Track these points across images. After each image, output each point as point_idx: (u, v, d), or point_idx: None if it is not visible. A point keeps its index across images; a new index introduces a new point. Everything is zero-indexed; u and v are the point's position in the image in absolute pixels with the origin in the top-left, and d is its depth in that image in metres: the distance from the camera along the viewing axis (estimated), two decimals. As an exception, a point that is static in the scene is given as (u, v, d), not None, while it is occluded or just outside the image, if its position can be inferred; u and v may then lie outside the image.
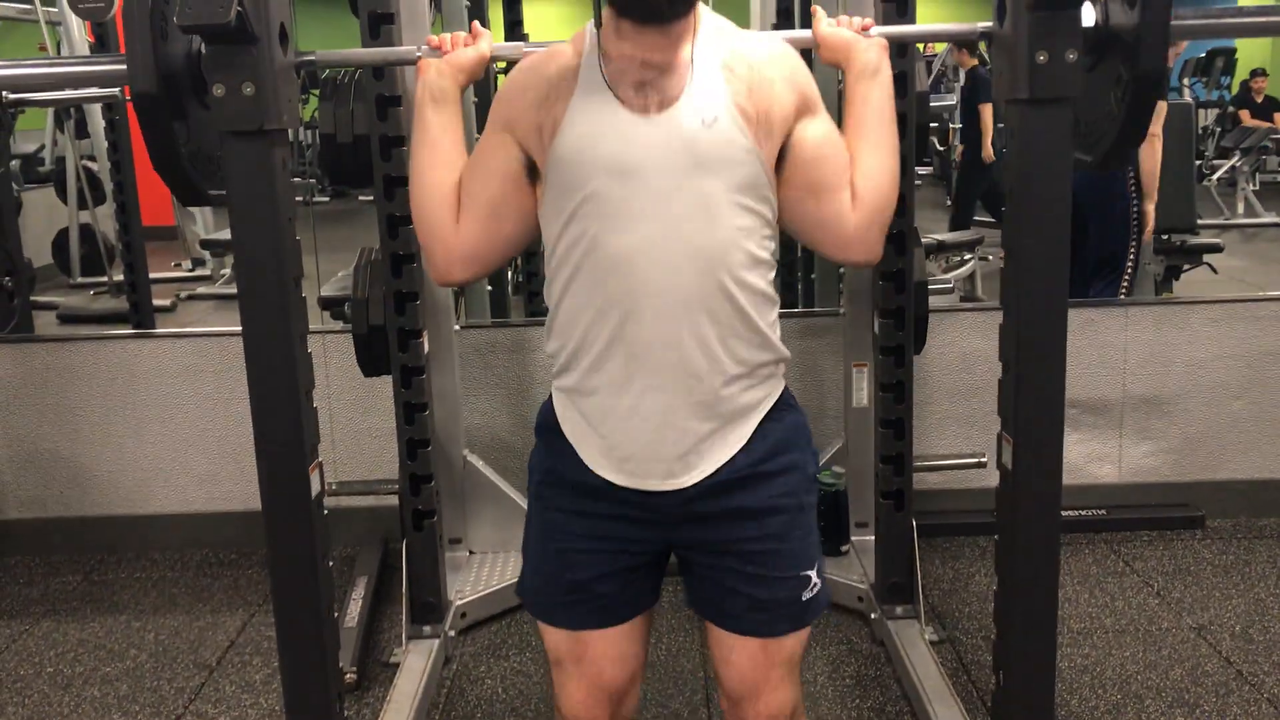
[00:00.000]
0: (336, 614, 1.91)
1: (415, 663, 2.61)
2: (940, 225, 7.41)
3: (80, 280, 7.21)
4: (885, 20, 2.44)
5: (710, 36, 1.50)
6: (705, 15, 1.51)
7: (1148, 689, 2.53)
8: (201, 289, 7.07)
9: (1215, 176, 9.13)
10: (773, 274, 1.53)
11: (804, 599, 1.57)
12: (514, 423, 3.37)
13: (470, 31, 1.67)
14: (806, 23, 1.82)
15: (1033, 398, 1.72)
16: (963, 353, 3.36)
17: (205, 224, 7.67)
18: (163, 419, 3.43)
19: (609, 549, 1.57)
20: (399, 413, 2.70)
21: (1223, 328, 3.38)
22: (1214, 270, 4.95)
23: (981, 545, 3.31)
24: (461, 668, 2.73)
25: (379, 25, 2.46)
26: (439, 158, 1.57)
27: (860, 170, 1.54)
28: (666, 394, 1.47)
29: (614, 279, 1.45)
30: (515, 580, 2.98)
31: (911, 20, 2.50)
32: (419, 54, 1.66)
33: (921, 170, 9.36)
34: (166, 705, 2.60)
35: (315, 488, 1.74)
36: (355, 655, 2.70)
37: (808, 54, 1.68)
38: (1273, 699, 2.46)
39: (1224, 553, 3.23)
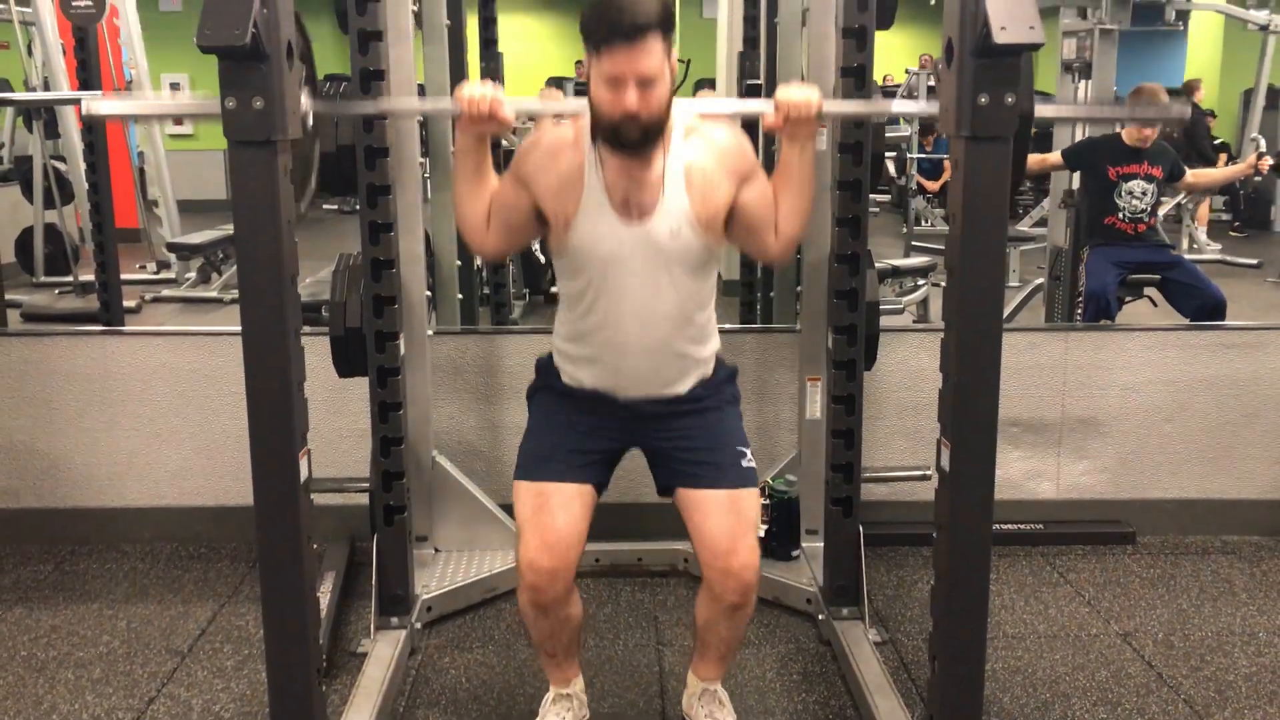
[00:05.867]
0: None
1: (383, 651, 2.72)
2: (895, 252, 7.60)
3: (44, 279, 7.23)
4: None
5: (676, 144, 2.13)
6: (675, 114, 2.11)
7: (1075, 689, 2.69)
8: (166, 291, 7.10)
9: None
10: (713, 298, 2.27)
11: (742, 465, 2.28)
12: (481, 426, 3.49)
13: (493, 90, 2.09)
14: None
15: (970, 405, 1.88)
16: (911, 371, 3.53)
17: (171, 227, 7.71)
18: (136, 414, 3.51)
19: (587, 430, 2.28)
20: (374, 412, 2.82)
21: (1157, 354, 3.57)
22: (1154, 304, 5.17)
23: (925, 555, 3.47)
24: (427, 659, 2.85)
25: (368, 42, 2.60)
26: (476, 189, 2.21)
27: (781, 212, 2.22)
28: (645, 377, 2.24)
29: (610, 323, 2.19)
30: (480, 577, 3.13)
31: (870, 55, 2.68)
32: (455, 110, 2.07)
33: (879, 198, 9.60)
34: (139, 688, 2.69)
35: (304, 473, 1.85)
36: (323, 646, 2.80)
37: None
38: (1189, 699, 2.64)
39: (1152, 566, 3.41)
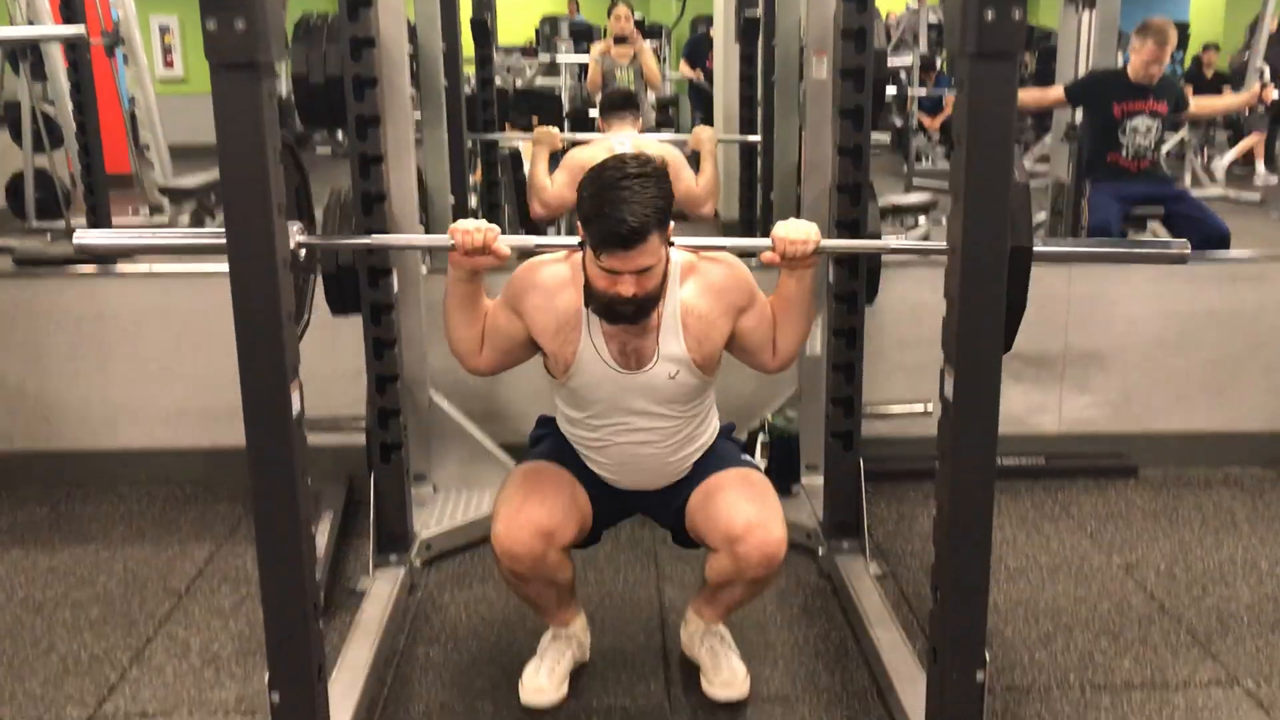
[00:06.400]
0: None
1: (382, 589, 2.71)
2: (896, 190, 7.52)
3: (36, 225, 7.15)
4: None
5: (673, 287, 2.16)
6: (672, 261, 2.15)
7: (1077, 620, 2.68)
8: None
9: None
10: (708, 409, 2.34)
11: (743, 458, 2.36)
12: (478, 366, 3.45)
13: (487, 225, 2.09)
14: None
15: (974, 331, 1.84)
16: (913, 306, 3.48)
17: (163, 171, 7.62)
18: (129, 356, 3.48)
19: (593, 479, 2.31)
20: (368, 348, 2.79)
21: (1161, 286, 3.53)
22: (1157, 238, 5.12)
23: (925, 490, 3.42)
24: (426, 596, 2.84)
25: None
26: (468, 319, 2.21)
27: (780, 334, 2.25)
28: (647, 480, 2.32)
29: (612, 443, 2.25)
30: (479, 516, 3.11)
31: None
32: (449, 244, 2.08)
33: (879, 136, 9.49)
34: (137, 628, 2.68)
35: (296, 406, 1.81)
36: (322, 583, 2.78)
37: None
38: (1191, 629, 2.63)
39: (1154, 499, 3.40)
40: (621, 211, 1.94)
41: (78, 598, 2.83)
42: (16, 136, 7.07)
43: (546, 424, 2.41)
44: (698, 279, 2.19)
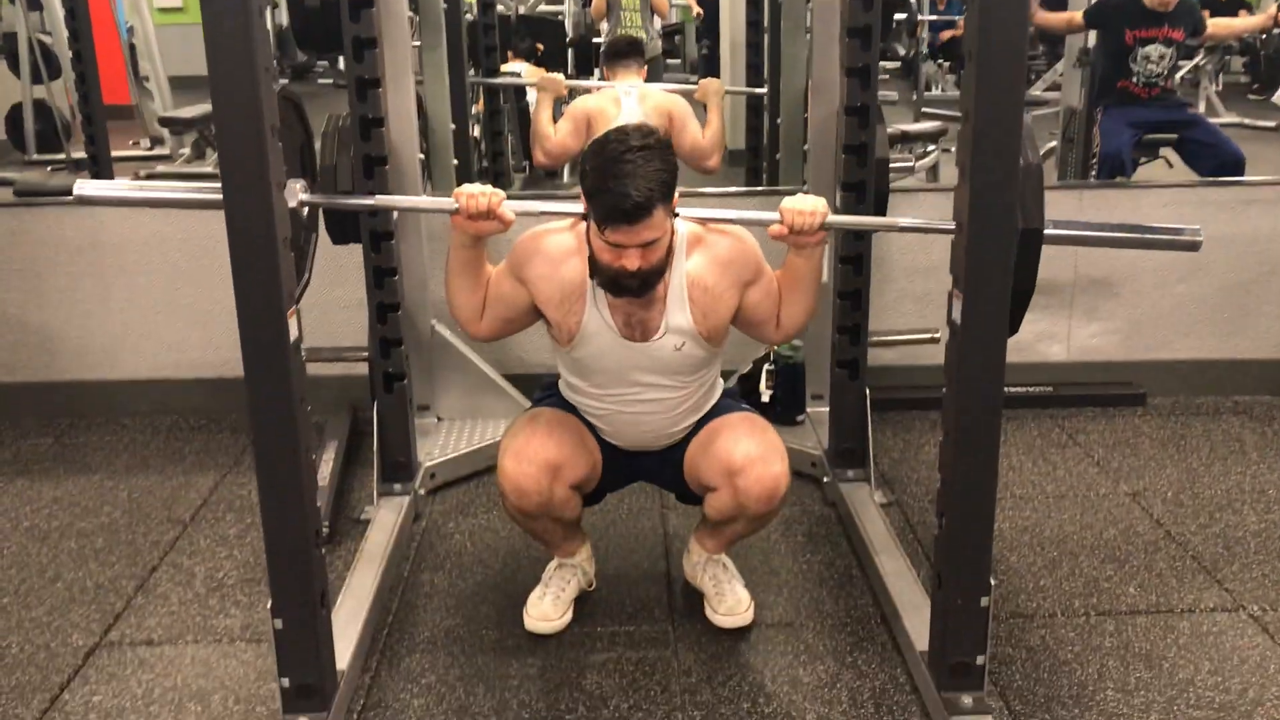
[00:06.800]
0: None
1: (386, 517, 2.71)
2: (906, 118, 7.40)
3: (36, 157, 7.09)
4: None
5: (679, 259, 2.13)
6: (678, 234, 2.12)
7: (1082, 547, 2.67)
8: (161, 168, 6.96)
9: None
10: (714, 378, 2.33)
11: (744, 406, 2.33)
12: (481, 295, 3.42)
13: (492, 190, 2.06)
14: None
15: (982, 254, 1.80)
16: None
17: (163, 102, 7.53)
18: (129, 286, 3.45)
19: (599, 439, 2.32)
20: (369, 277, 2.76)
21: (1173, 211, 3.47)
22: (1170, 165, 5.03)
23: (933, 419, 3.41)
24: (431, 524, 2.84)
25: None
26: (471, 285, 2.17)
27: (786, 307, 2.21)
28: (651, 442, 2.31)
29: (616, 410, 2.25)
30: (483, 445, 3.10)
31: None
32: (454, 207, 2.04)
33: (887, 64, 9.32)
34: (142, 557, 2.69)
35: (294, 332, 1.79)
36: (326, 512, 2.79)
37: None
38: (1197, 555, 2.62)
39: (1162, 427, 3.38)
40: (625, 186, 1.92)
41: (83, 527, 2.83)
42: (14, 67, 6.99)
43: (550, 389, 2.39)
44: (704, 251, 2.16)
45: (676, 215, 2.08)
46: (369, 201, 2.46)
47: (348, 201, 2.55)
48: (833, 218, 2.09)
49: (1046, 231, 1.98)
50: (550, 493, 2.19)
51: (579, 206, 2.06)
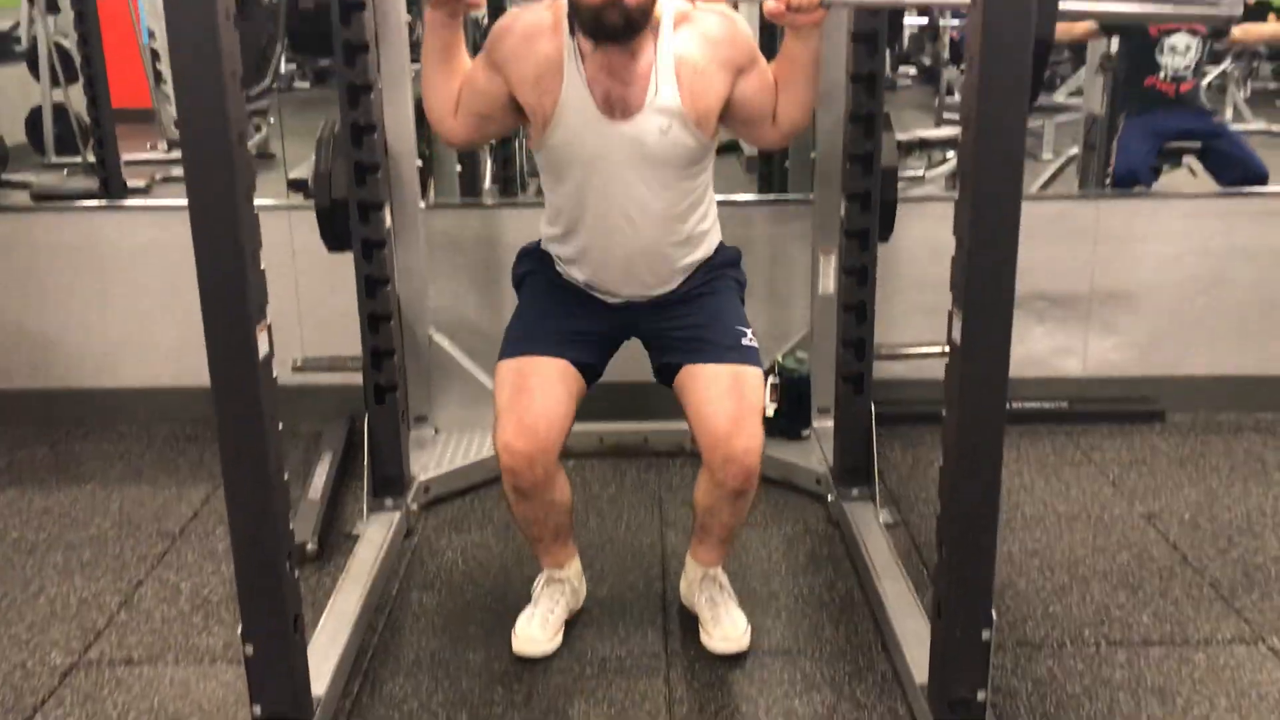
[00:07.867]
0: (297, 486, 1.92)
1: (375, 534, 2.64)
2: (926, 124, 7.32)
3: (55, 160, 7.09)
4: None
5: (666, 35, 2.01)
6: (664, 7, 2.00)
7: (1094, 572, 2.58)
8: (177, 171, 6.95)
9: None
10: (708, 196, 2.20)
11: (742, 344, 2.16)
12: (483, 304, 3.35)
13: None
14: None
15: (984, 272, 1.72)
16: (932, 245, 3.27)
17: (180, 105, 7.52)
18: (128, 292, 3.41)
19: (578, 314, 2.21)
20: (360, 286, 2.70)
21: (1194, 223, 3.37)
22: (1193, 173, 4.91)
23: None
24: (423, 540, 2.77)
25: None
26: (445, 72, 2.09)
27: (783, 102, 2.10)
28: (636, 277, 2.18)
29: (597, 225, 2.12)
30: (480, 458, 3.03)
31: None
32: None
33: (908, 69, 9.21)
34: (129, 571, 2.63)
35: (264, 349, 1.72)
36: (317, 527, 2.72)
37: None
38: (1214, 582, 2.52)
39: (1181, 445, 3.27)
40: None
41: (71, 539, 2.78)
42: (35, 70, 7.00)
43: (527, 256, 2.31)
44: (691, 27, 2.05)
45: None
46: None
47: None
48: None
49: (1062, 7, 1.86)
50: (549, 483, 2.14)
51: None
